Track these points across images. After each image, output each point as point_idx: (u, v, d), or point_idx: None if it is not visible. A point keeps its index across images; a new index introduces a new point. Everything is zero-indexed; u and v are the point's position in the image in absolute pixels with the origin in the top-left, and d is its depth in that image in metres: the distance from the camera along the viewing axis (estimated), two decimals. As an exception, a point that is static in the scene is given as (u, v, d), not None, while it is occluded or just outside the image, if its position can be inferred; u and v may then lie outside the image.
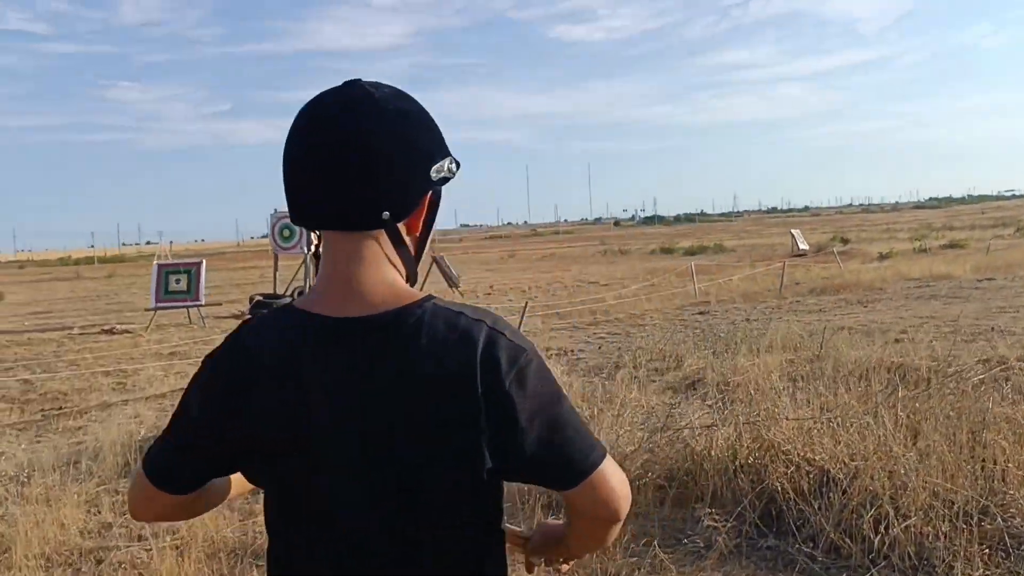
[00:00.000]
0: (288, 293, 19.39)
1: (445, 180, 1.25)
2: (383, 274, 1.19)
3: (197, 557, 4.17)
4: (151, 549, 4.26)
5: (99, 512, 5.10)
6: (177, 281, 17.32)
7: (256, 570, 4.08)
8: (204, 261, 18.18)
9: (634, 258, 39.20)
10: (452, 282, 22.25)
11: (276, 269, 20.47)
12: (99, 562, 4.40)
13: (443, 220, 1.38)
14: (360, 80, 1.22)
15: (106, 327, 17.29)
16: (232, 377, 1.19)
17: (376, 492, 1.15)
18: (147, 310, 17.87)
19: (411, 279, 1.25)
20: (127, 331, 16.48)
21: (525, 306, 12.94)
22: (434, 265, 22.43)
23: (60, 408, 9.00)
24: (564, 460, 1.18)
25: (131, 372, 11.40)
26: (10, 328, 18.86)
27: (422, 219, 1.25)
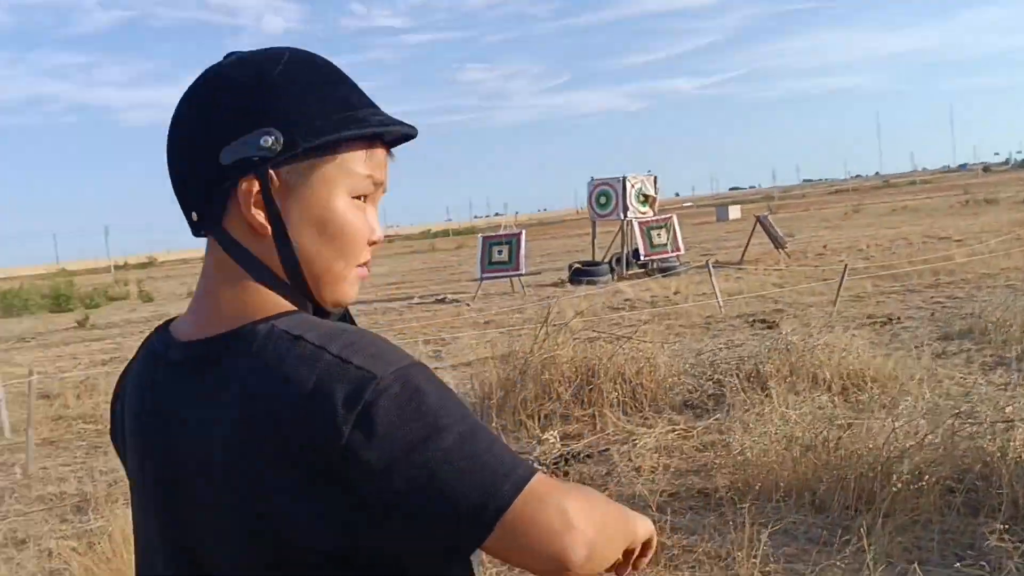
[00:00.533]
0: (606, 260, 19.64)
1: (249, 162, 0.93)
2: (232, 286, 0.96)
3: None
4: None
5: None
6: (499, 252, 18.15)
7: None
8: (523, 232, 18.86)
9: (1002, 208, 34.41)
10: (778, 243, 21.08)
11: (594, 236, 20.77)
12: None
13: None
14: (233, 53, 1.01)
15: (439, 297, 18.65)
16: (114, 405, 1.12)
17: None
18: (473, 280, 18.99)
19: (275, 288, 0.96)
20: (456, 300, 17.63)
21: (844, 269, 11.78)
22: (758, 226, 21.41)
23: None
24: (452, 513, 0.81)
25: (449, 340, 12.12)
26: (365, 298, 21.03)
27: (261, 215, 0.94)
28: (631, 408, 6.27)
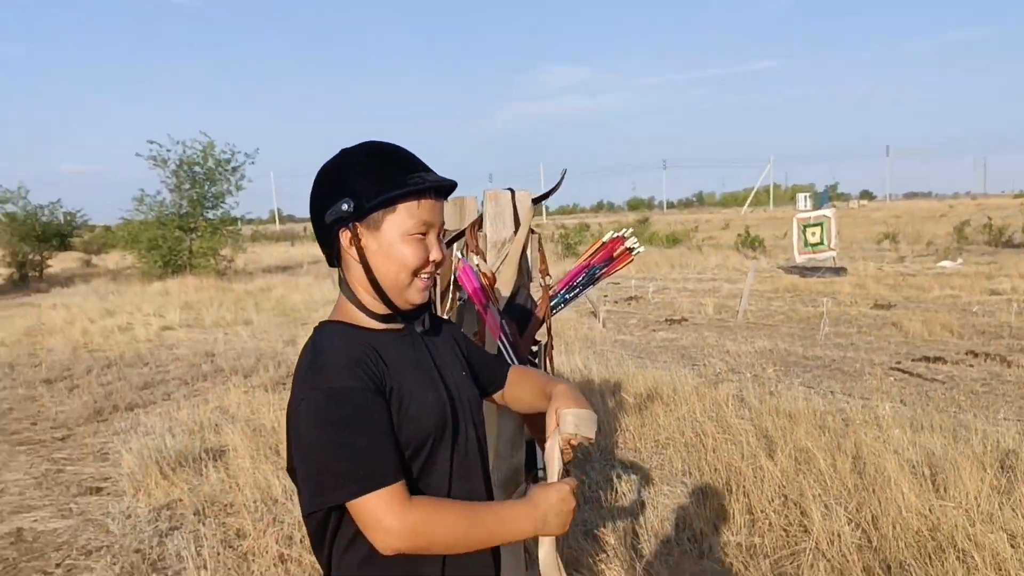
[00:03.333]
0: None
1: (339, 220, 1.53)
2: (337, 302, 1.66)
3: None
4: None
5: None
6: None
7: None
8: None
9: None
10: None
11: None
12: None
13: None
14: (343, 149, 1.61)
15: None
16: None
17: None
18: None
19: (364, 308, 1.60)
20: None
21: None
22: None
23: None
24: (300, 490, 1.46)
25: None
26: None
27: (354, 252, 1.55)
28: None
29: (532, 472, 3.29)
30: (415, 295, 1.58)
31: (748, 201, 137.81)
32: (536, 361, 3.09)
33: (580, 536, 4.42)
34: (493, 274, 3.01)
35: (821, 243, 19.94)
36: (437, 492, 1.56)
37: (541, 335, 3.11)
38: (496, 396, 1.89)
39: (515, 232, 3.05)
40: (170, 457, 6.14)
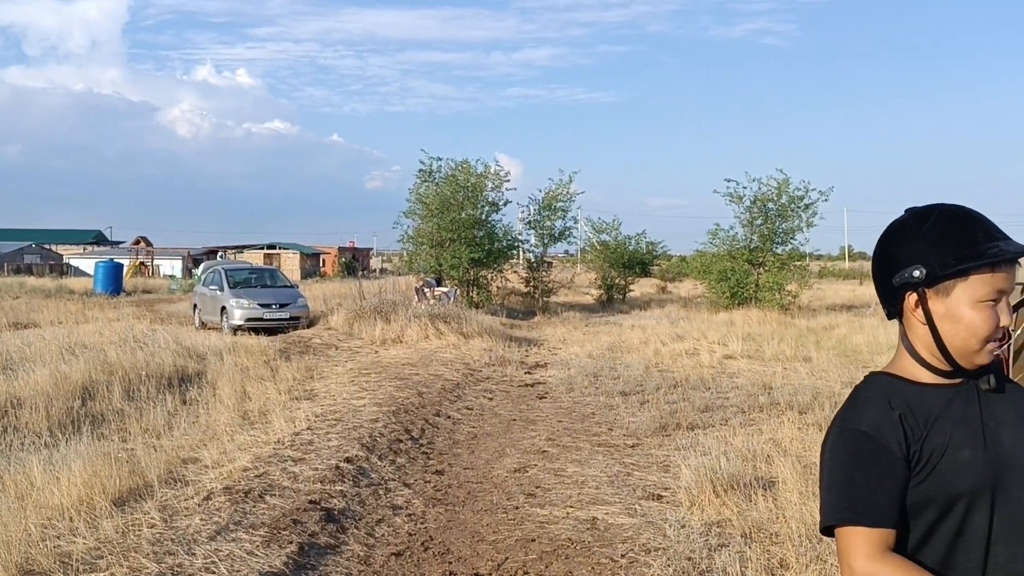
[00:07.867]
0: None
1: (908, 284, 1.59)
2: (899, 348, 1.70)
3: None
4: None
5: None
6: None
7: None
8: None
9: None
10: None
11: None
12: None
13: None
14: (912, 208, 1.66)
15: None
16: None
17: None
18: None
19: (924, 363, 1.63)
20: None
21: None
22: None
23: None
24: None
25: None
26: None
27: (919, 314, 1.60)
28: None
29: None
30: (983, 358, 1.58)
31: None
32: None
33: None
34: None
35: None
36: (969, 555, 1.53)
37: None
38: None
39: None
40: (723, 479, 6.50)
